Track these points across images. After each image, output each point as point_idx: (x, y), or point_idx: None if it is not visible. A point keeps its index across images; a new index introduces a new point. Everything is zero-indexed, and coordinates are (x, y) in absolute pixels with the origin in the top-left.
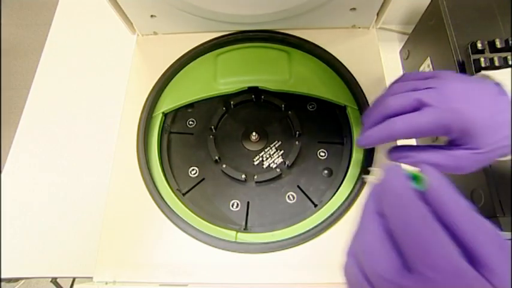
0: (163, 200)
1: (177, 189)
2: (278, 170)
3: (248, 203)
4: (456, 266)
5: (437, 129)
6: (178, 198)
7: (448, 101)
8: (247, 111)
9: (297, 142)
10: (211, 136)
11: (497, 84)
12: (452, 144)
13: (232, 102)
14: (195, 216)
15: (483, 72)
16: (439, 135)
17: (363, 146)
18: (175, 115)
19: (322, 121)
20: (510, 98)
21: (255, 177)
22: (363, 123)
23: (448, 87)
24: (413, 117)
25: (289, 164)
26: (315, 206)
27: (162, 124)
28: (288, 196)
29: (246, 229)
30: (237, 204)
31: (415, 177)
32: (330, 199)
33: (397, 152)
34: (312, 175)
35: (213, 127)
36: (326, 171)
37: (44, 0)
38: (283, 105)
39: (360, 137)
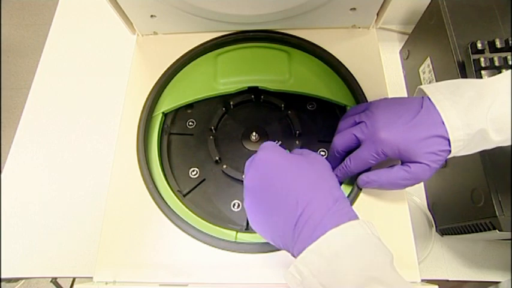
0: (163, 200)
1: (178, 191)
2: None
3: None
4: None
5: (378, 157)
6: (178, 198)
7: (375, 134)
8: (247, 111)
9: (297, 141)
10: (211, 137)
11: (422, 98)
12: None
13: (231, 103)
14: (195, 216)
15: (420, 86)
16: (385, 159)
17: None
18: (175, 115)
19: (321, 120)
20: (434, 107)
21: None
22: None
23: (374, 120)
24: (356, 156)
25: None
26: None
27: (162, 124)
28: None
29: (247, 229)
30: (238, 204)
31: None
32: None
33: (363, 178)
34: None
35: (213, 127)
36: None
37: (44, 0)
38: (282, 105)
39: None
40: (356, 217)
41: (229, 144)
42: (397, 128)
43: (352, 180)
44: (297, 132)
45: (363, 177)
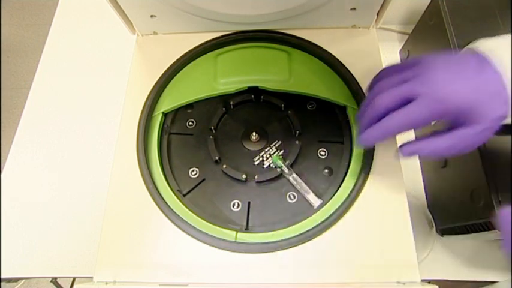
0: (163, 200)
1: (178, 190)
2: (278, 169)
3: (249, 203)
4: None
5: (430, 119)
6: (178, 198)
7: (434, 90)
8: (247, 111)
9: (297, 141)
10: (211, 136)
11: (477, 55)
12: (452, 126)
13: (231, 102)
14: (195, 216)
15: (468, 46)
16: (433, 122)
17: (363, 147)
18: (175, 115)
19: (322, 120)
20: (494, 63)
21: (256, 177)
22: (357, 123)
23: (431, 75)
24: (406, 113)
25: (290, 164)
26: (320, 207)
27: (162, 124)
28: (289, 196)
29: (247, 229)
30: (238, 204)
31: None
32: (330, 198)
33: (407, 147)
34: (313, 174)
35: (213, 127)
36: (326, 170)
37: (44, 0)
38: (282, 105)
39: (359, 138)
40: None
41: (229, 144)
42: (463, 83)
43: (353, 176)
44: (297, 132)
45: (408, 149)
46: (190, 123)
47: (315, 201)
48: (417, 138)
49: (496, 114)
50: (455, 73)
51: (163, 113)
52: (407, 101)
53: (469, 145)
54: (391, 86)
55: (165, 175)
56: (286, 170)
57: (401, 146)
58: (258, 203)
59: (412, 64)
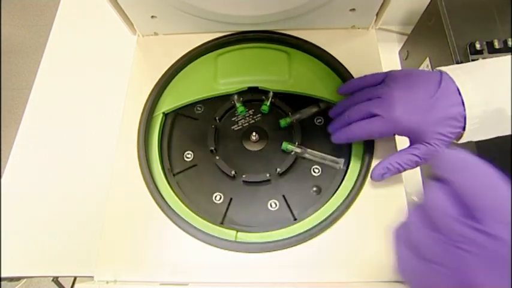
0: (164, 199)
1: (168, 169)
2: (268, 174)
3: (231, 199)
4: None
5: (387, 133)
6: (179, 198)
7: (391, 111)
8: (257, 110)
9: (293, 152)
10: (213, 126)
11: (441, 74)
12: (411, 142)
13: (241, 99)
14: (195, 215)
15: (437, 68)
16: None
17: (335, 142)
18: (176, 115)
19: (325, 139)
20: (454, 86)
21: (244, 176)
22: (332, 119)
23: (391, 96)
24: (368, 126)
25: (280, 172)
26: (294, 219)
27: (162, 124)
28: (271, 203)
29: (222, 223)
30: (220, 197)
31: None
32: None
33: (376, 171)
34: (300, 189)
35: (217, 118)
36: (315, 189)
37: (45, 1)
38: (290, 112)
39: (332, 137)
40: None
41: (228, 138)
42: (414, 109)
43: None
44: (297, 143)
45: (377, 172)
46: (199, 108)
47: (340, 161)
48: (381, 162)
49: (443, 133)
50: (411, 96)
51: (163, 113)
52: (372, 115)
53: (428, 158)
54: (361, 100)
55: (165, 174)
56: (299, 150)
57: (371, 172)
58: (239, 202)
59: (382, 78)
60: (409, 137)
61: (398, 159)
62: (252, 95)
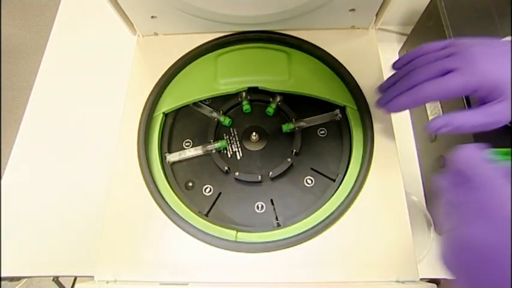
0: (164, 199)
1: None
2: (259, 176)
3: (220, 193)
4: None
5: (465, 91)
6: (179, 198)
7: (473, 64)
8: (260, 110)
9: (289, 159)
10: (215, 119)
11: None
12: (482, 102)
13: (249, 97)
14: (195, 215)
15: (507, 38)
16: (466, 95)
17: (392, 111)
18: (177, 114)
19: (324, 150)
20: None
21: (236, 173)
22: (380, 93)
23: (469, 50)
24: (443, 82)
25: (272, 177)
26: (278, 225)
27: (162, 124)
28: (258, 205)
29: (207, 215)
30: (210, 189)
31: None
32: (329, 198)
33: (435, 122)
34: (290, 197)
35: (222, 112)
36: (307, 197)
37: (45, 1)
38: (294, 119)
39: (390, 103)
40: None
41: (228, 135)
42: (498, 60)
43: (354, 174)
44: (294, 150)
45: (436, 124)
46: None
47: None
48: (446, 115)
49: None
50: (493, 52)
51: (163, 113)
52: (445, 74)
53: (497, 121)
54: (429, 62)
55: (165, 174)
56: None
57: (431, 121)
58: (230, 197)
59: (448, 44)
60: (486, 96)
61: (470, 116)
62: (260, 95)
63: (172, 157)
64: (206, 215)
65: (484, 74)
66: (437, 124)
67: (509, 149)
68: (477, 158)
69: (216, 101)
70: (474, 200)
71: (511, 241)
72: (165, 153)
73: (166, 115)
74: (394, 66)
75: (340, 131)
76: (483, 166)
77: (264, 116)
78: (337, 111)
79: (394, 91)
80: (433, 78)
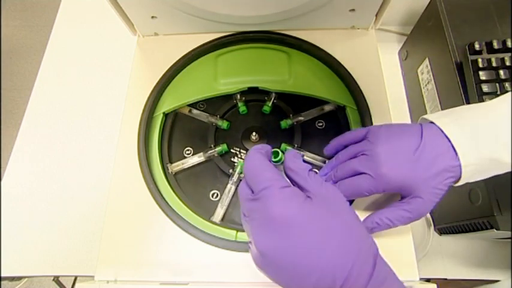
0: (164, 199)
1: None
2: None
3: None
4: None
5: (376, 191)
6: (179, 198)
7: (378, 170)
8: (258, 110)
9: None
10: (213, 124)
11: (421, 126)
12: (401, 197)
13: (244, 98)
14: (195, 215)
15: (422, 116)
16: (379, 193)
17: None
18: (174, 123)
19: (325, 142)
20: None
21: (241, 174)
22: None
23: (376, 154)
24: (354, 184)
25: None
26: None
27: (162, 124)
28: None
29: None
30: (217, 194)
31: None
32: None
33: (366, 224)
34: None
35: (219, 116)
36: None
37: (46, 1)
38: (291, 114)
39: None
40: (394, 275)
41: (229, 138)
42: (400, 163)
43: None
44: (296, 145)
45: (366, 226)
46: (200, 106)
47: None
48: (372, 215)
49: (437, 186)
50: (395, 150)
51: (163, 113)
52: (359, 173)
53: (420, 214)
54: (347, 158)
55: (165, 174)
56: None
57: (364, 221)
58: (235, 200)
59: (364, 135)
60: (400, 193)
61: (389, 214)
62: (254, 95)
63: (174, 167)
64: (221, 220)
65: (387, 179)
66: (368, 226)
67: (277, 149)
68: (259, 162)
69: (212, 106)
70: (256, 209)
71: (290, 243)
72: (167, 164)
73: (164, 121)
74: (325, 152)
75: (337, 121)
76: (261, 172)
77: (261, 115)
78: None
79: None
80: (349, 176)
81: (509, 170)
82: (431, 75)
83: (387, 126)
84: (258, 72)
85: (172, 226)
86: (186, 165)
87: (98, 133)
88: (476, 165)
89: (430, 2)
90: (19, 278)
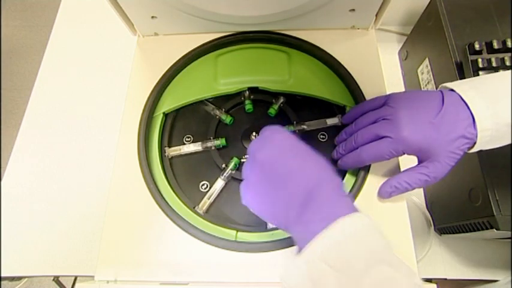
0: (164, 199)
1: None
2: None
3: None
4: None
5: (395, 154)
6: (179, 198)
7: (399, 133)
8: (262, 110)
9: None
10: (217, 117)
11: (442, 93)
12: (420, 160)
13: (252, 97)
14: (195, 215)
15: (442, 84)
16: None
17: (342, 169)
18: (179, 108)
19: (323, 156)
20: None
21: (232, 171)
22: (337, 143)
23: (397, 118)
24: (375, 148)
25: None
26: (266, 228)
27: (162, 124)
28: None
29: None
30: (207, 185)
31: None
32: None
33: (384, 189)
34: None
35: (224, 109)
36: None
37: (46, 1)
38: (295, 122)
39: (339, 162)
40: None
41: (229, 134)
42: (421, 127)
43: (353, 174)
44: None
45: (385, 190)
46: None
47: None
48: (392, 179)
49: (453, 151)
50: (416, 114)
51: (164, 113)
52: (379, 138)
53: (436, 177)
54: (367, 123)
55: (165, 174)
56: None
57: (379, 189)
58: (225, 196)
59: (384, 102)
60: (417, 156)
61: (408, 178)
62: (263, 96)
63: (172, 151)
64: (206, 212)
65: (408, 142)
66: (387, 190)
67: None
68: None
69: (220, 99)
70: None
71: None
72: (165, 147)
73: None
74: (343, 121)
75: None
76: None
77: (266, 117)
78: (339, 116)
79: (341, 150)
80: (370, 141)
81: None
82: (431, 75)
83: (408, 92)
84: (258, 72)
85: (172, 226)
86: (182, 152)
87: (98, 133)
88: (492, 131)
89: (430, 2)
90: (19, 278)
